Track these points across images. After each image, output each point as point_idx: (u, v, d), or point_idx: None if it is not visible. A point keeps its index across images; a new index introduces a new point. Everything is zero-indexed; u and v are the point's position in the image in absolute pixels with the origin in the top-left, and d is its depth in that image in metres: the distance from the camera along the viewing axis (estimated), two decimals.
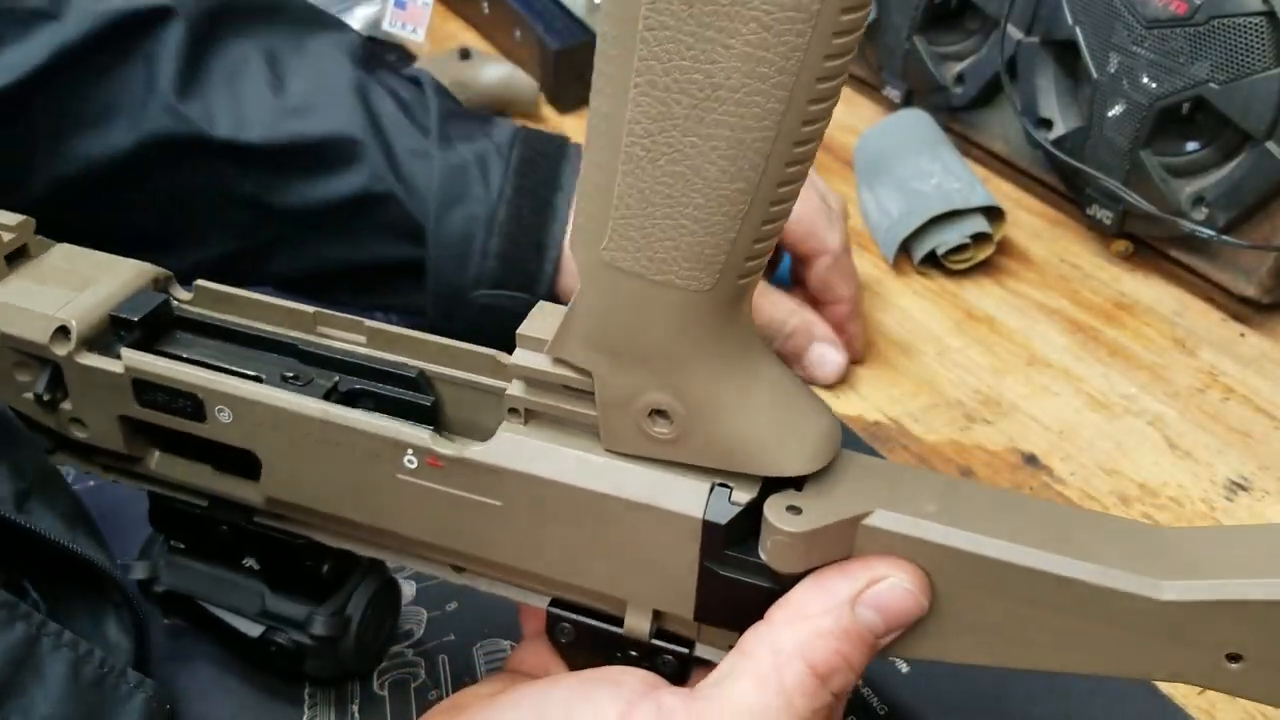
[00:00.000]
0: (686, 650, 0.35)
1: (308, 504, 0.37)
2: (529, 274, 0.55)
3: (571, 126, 0.84)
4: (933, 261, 0.68)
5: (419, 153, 0.55)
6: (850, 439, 0.57)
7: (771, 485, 0.31)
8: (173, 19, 0.53)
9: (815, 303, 0.60)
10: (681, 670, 0.35)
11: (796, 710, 0.29)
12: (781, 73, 0.24)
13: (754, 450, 0.30)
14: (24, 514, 0.37)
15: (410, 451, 0.34)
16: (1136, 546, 0.29)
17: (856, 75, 0.85)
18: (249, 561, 0.42)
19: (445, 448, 0.33)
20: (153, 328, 0.38)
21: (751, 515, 0.31)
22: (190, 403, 0.36)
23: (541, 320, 0.32)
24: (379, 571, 0.43)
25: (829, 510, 0.30)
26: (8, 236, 0.38)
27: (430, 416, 0.37)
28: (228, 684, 0.45)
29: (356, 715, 0.44)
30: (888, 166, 0.71)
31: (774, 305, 0.59)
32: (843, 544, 0.31)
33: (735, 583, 0.32)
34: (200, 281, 0.39)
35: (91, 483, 0.52)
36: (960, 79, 0.75)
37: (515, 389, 0.33)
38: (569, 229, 0.53)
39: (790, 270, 0.62)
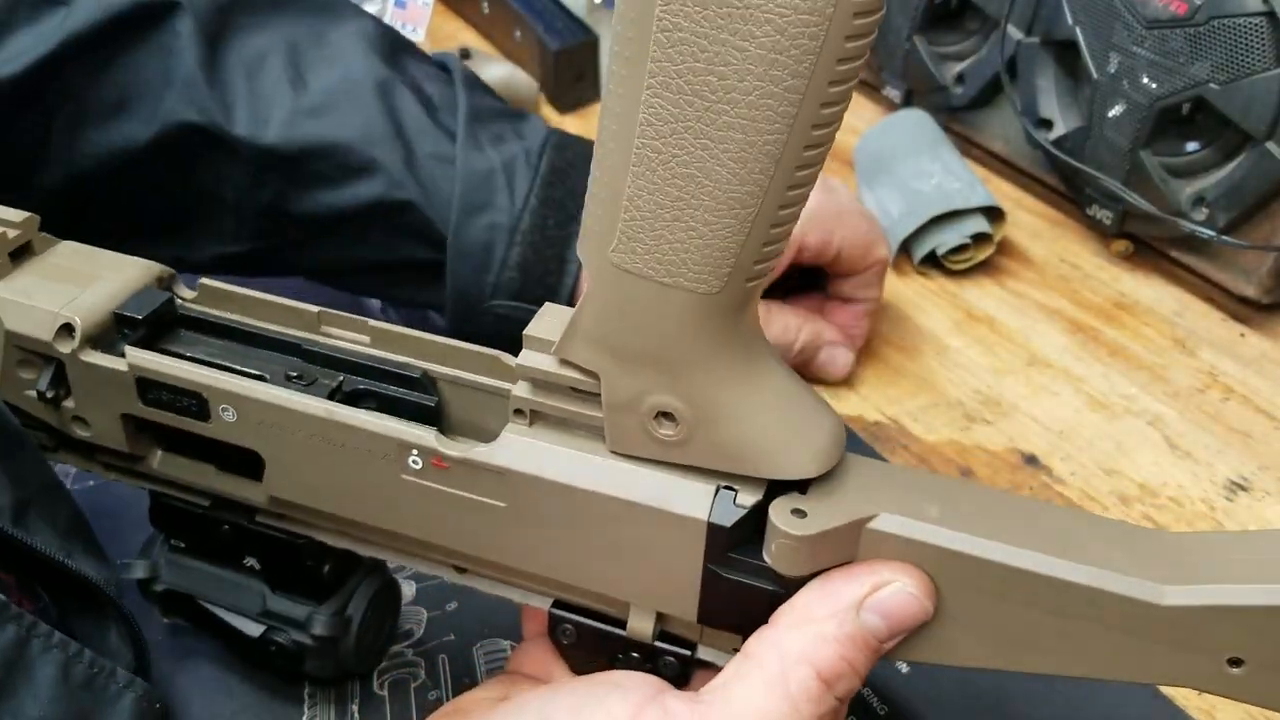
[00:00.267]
0: (689, 652, 0.35)
1: (311, 504, 0.37)
2: (549, 286, 0.54)
3: (572, 126, 0.84)
4: (933, 261, 0.68)
5: (442, 158, 0.54)
6: (850, 439, 0.56)
7: (776, 488, 0.31)
8: (179, 12, 0.52)
9: (832, 302, 0.60)
10: (683, 672, 0.35)
11: (802, 715, 0.29)
12: (795, 76, 0.24)
13: (759, 453, 0.30)
14: (21, 527, 0.37)
15: (415, 452, 0.34)
16: (1138, 551, 0.29)
17: None
18: (250, 561, 0.41)
19: (451, 449, 0.33)
20: (156, 326, 0.38)
21: (756, 518, 0.31)
22: (194, 402, 0.36)
23: (548, 321, 0.32)
24: (380, 572, 0.43)
25: (833, 514, 0.30)
26: (12, 233, 0.38)
27: (433, 417, 0.37)
28: (228, 683, 0.45)
29: (356, 715, 0.44)
30: (888, 166, 0.71)
31: (781, 326, 0.58)
32: (847, 547, 0.31)
33: (739, 585, 0.32)
34: (204, 280, 0.39)
35: (91, 482, 0.52)
36: (960, 79, 0.75)
37: (521, 390, 0.33)
38: None
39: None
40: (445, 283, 0.54)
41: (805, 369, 0.60)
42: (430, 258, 0.54)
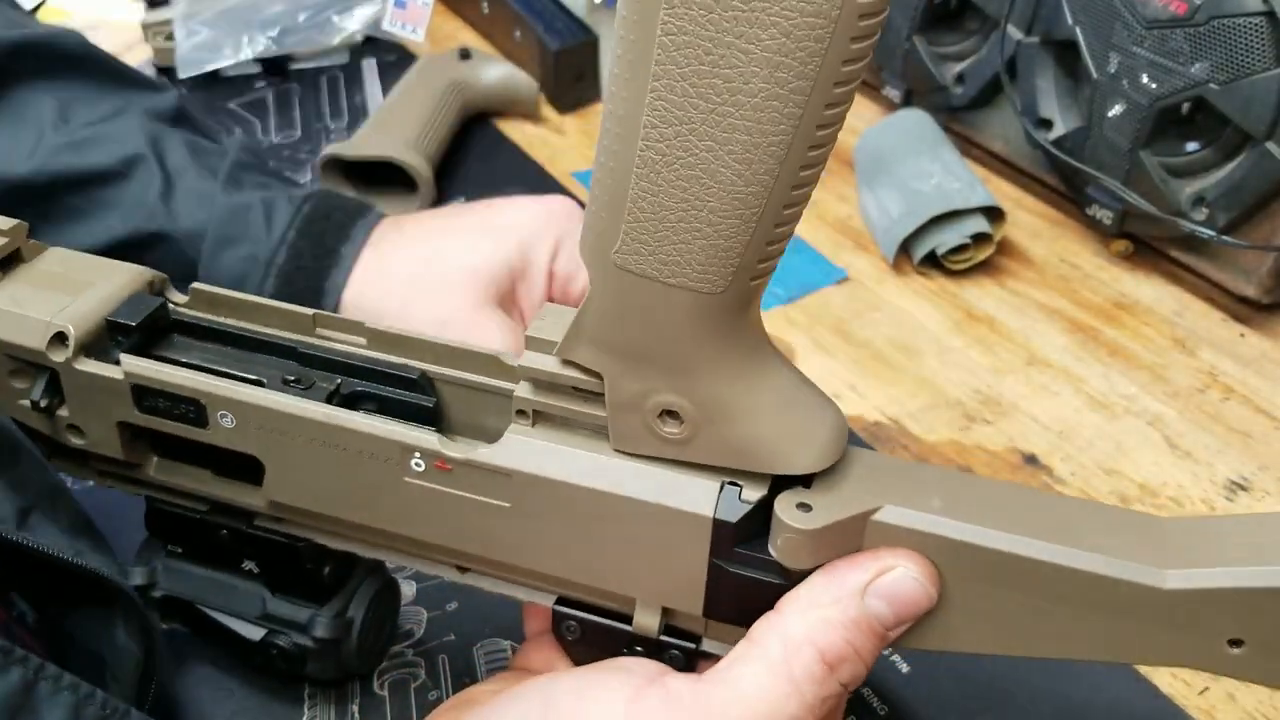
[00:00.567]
0: (693, 645, 0.35)
1: (312, 508, 0.37)
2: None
3: (571, 126, 0.84)
4: (933, 261, 0.68)
5: (202, 194, 0.53)
6: (850, 439, 0.56)
7: (780, 483, 0.32)
8: None
9: None
10: (688, 665, 0.35)
11: (804, 698, 0.29)
12: (800, 77, 0.24)
13: (764, 449, 0.31)
14: (25, 530, 0.37)
15: (418, 455, 0.34)
16: (1139, 536, 0.30)
17: None
18: (248, 565, 0.41)
19: (454, 451, 0.33)
20: (150, 332, 0.38)
21: (761, 513, 0.31)
22: (192, 408, 0.36)
23: (550, 322, 0.32)
24: (379, 572, 0.43)
25: (838, 507, 0.31)
26: (1, 241, 0.38)
27: (432, 417, 0.37)
28: (227, 685, 0.45)
29: (356, 715, 0.44)
30: (888, 166, 0.71)
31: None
32: (852, 540, 0.31)
33: (745, 580, 0.32)
34: (196, 285, 0.39)
35: (91, 483, 0.52)
36: (960, 79, 0.75)
37: (523, 390, 0.33)
38: (351, 279, 0.52)
39: None
40: None
41: None
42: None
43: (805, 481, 0.32)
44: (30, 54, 0.53)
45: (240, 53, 0.88)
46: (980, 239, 0.68)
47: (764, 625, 0.31)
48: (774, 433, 0.31)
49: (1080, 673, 0.45)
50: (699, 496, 0.32)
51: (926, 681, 0.45)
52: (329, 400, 0.36)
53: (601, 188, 0.27)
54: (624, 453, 0.32)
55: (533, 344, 0.32)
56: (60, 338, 0.36)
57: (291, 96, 0.88)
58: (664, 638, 0.35)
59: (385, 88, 0.88)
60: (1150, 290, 0.67)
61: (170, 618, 0.43)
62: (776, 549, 0.31)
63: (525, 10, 0.86)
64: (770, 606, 0.32)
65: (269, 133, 0.84)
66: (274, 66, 0.90)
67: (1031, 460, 0.56)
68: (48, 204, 0.52)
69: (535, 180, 0.77)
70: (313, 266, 0.53)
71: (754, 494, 0.31)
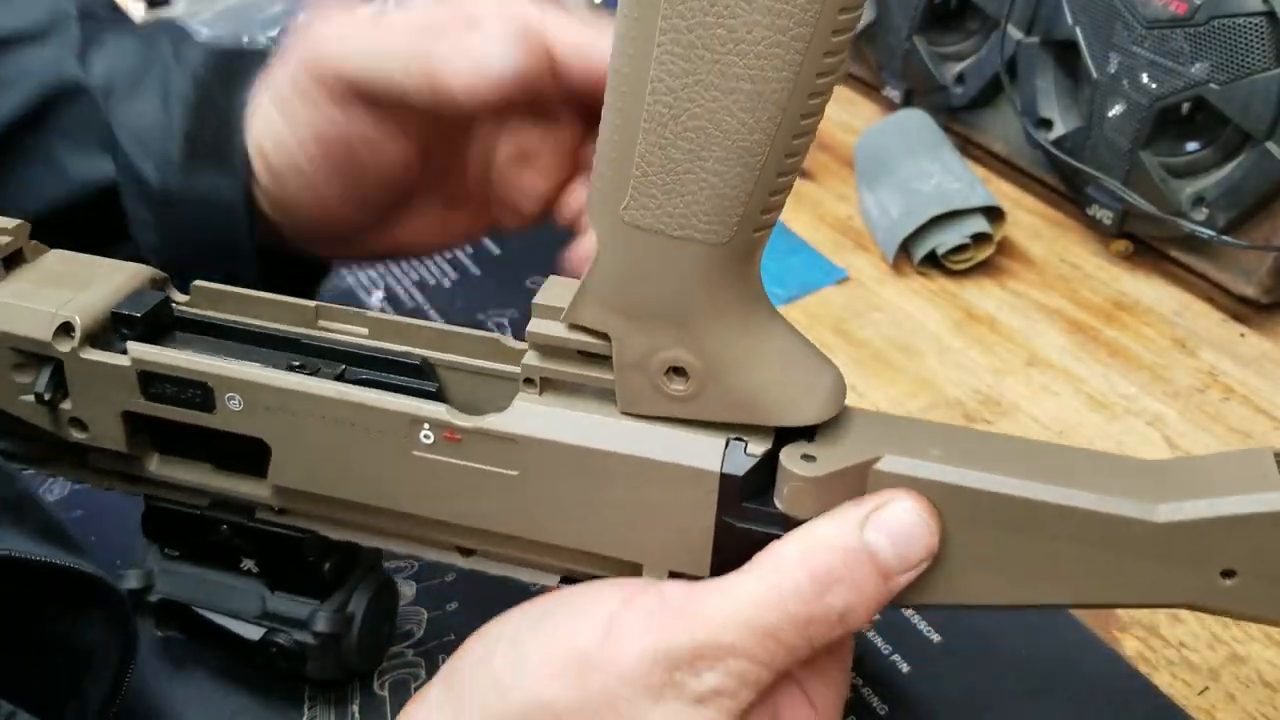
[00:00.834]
0: None
1: (318, 490, 0.37)
2: (219, 152, 0.47)
3: None
4: (933, 261, 0.68)
5: (122, 47, 0.49)
6: None
7: (783, 437, 0.33)
8: None
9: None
10: None
11: (787, 608, 0.30)
12: (800, 24, 0.25)
13: (769, 401, 0.32)
14: None
15: (427, 426, 0.34)
16: (1130, 476, 0.31)
17: (856, 75, 0.85)
18: (247, 564, 0.41)
19: (463, 420, 0.34)
20: (154, 326, 0.38)
21: (766, 468, 0.32)
22: (199, 392, 0.36)
23: (556, 291, 0.33)
24: (377, 571, 0.43)
25: (841, 456, 0.32)
26: (3, 240, 0.39)
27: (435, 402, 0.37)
28: (226, 685, 0.45)
29: (356, 715, 0.44)
30: (888, 166, 0.71)
31: None
32: (855, 489, 0.32)
33: (752, 534, 0.33)
34: (197, 282, 0.40)
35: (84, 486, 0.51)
36: (960, 79, 0.75)
37: (531, 358, 0.34)
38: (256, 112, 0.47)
39: None
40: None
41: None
42: (111, 175, 0.48)
43: (808, 435, 0.33)
44: None
45: None
46: (980, 239, 0.68)
47: (764, 550, 0.32)
48: (778, 385, 0.32)
49: (1081, 672, 0.46)
50: (705, 452, 0.32)
51: (926, 682, 0.45)
52: None
53: (609, 146, 0.28)
54: (631, 415, 0.33)
55: (540, 310, 0.33)
56: (66, 328, 0.37)
57: None
58: None
59: None
60: (1150, 290, 0.67)
61: (166, 624, 0.43)
62: (782, 499, 0.32)
63: None
64: None
65: None
66: None
67: None
68: None
69: None
70: (226, 103, 0.48)
71: (759, 448, 0.32)
